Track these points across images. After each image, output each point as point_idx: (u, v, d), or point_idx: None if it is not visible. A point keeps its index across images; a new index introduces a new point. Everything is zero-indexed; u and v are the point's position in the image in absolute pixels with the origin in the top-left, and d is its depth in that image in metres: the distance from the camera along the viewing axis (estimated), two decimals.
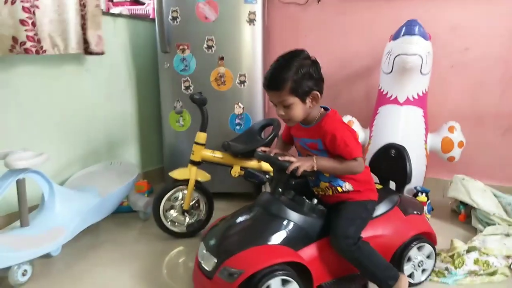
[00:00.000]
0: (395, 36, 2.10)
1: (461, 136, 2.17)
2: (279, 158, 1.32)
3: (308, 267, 1.26)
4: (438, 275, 1.55)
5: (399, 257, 1.43)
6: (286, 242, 1.28)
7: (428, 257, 1.50)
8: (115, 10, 2.75)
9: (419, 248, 1.47)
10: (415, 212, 1.53)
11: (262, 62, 2.26)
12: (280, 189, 1.37)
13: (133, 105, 2.52)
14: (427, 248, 1.48)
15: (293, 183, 1.41)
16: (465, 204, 2.06)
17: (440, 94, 2.37)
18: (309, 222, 1.33)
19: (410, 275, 1.47)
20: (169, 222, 1.89)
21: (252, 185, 2.05)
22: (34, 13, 1.73)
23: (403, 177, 1.56)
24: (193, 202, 1.93)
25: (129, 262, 1.66)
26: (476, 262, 1.57)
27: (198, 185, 1.86)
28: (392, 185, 1.65)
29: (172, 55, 2.25)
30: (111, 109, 2.35)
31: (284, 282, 1.22)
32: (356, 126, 2.35)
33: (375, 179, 1.62)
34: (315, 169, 1.30)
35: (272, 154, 1.37)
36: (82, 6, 1.99)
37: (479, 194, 2.01)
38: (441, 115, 2.34)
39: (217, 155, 1.90)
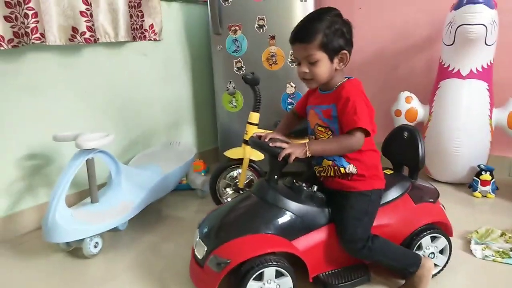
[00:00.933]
0: (457, 5, 1.97)
1: None
2: (271, 144, 1.26)
3: (302, 258, 1.21)
4: (502, 255, 1.48)
5: (406, 248, 1.33)
6: (280, 231, 1.23)
7: (441, 252, 1.39)
8: None
9: (432, 239, 1.36)
10: (428, 200, 1.42)
11: None
12: (276, 176, 1.31)
13: (188, 88, 2.60)
14: (441, 240, 1.37)
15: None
16: None
17: (507, 66, 2.20)
18: (306, 211, 1.26)
19: None
20: (226, 200, 1.96)
21: (304, 164, 2.06)
22: (91, 4, 1.83)
23: (416, 161, 1.44)
24: (248, 180, 1.97)
25: (190, 236, 1.74)
26: None
27: (252, 164, 1.90)
28: (406, 170, 1.53)
29: (224, 37, 2.28)
30: (168, 91, 2.45)
31: (278, 273, 1.19)
32: (415, 102, 2.26)
33: (389, 164, 1.54)
34: (308, 154, 1.21)
35: (266, 140, 1.30)
36: None
37: None
38: (508, 88, 2.18)
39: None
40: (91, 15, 1.83)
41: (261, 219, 1.25)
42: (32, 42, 1.64)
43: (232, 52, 2.30)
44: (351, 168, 1.29)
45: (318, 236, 1.27)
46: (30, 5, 1.60)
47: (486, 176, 2.02)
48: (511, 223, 1.66)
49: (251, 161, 1.88)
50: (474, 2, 1.89)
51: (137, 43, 2.19)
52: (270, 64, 2.25)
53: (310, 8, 2.17)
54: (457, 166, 2.11)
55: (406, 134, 1.48)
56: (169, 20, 2.39)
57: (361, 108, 1.21)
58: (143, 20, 2.16)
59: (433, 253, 1.37)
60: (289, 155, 1.20)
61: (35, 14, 1.63)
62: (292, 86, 2.26)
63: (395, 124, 2.31)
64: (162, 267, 1.53)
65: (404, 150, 1.49)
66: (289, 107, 2.28)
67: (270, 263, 1.17)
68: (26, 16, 1.61)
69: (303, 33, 1.22)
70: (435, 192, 1.49)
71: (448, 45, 2.04)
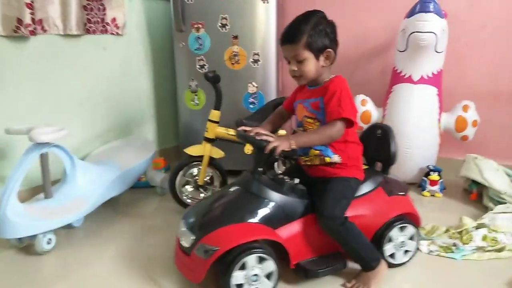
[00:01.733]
0: (410, 14, 2.08)
1: (475, 115, 2.16)
2: (257, 137, 1.31)
3: (285, 245, 1.28)
4: (446, 250, 1.57)
5: (379, 237, 1.42)
6: (264, 220, 1.29)
7: (411, 238, 1.48)
8: None
9: (401, 229, 1.45)
10: (399, 193, 1.52)
11: (276, 41, 2.26)
12: (260, 169, 1.36)
13: (149, 84, 2.57)
14: (410, 229, 1.47)
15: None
16: (477, 183, 2.05)
17: (455, 73, 2.35)
18: (288, 201, 1.34)
19: (392, 255, 1.46)
20: (185, 197, 1.96)
21: None
22: None
23: (388, 157, 1.53)
24: (208, 178, 1.98)
25: (147, 233, 1.74)
26: (484, 238, 1.59)
27: (212, 162, 1.91)
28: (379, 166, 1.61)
29: (187, 34, 2.28)
30: (128, 87, 2.41)
31: (261, 259, 1.24)
32: (370, 105, 2.36)
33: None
34: (293, 146, 1.27)
35: (252, 133, 1.34)
36: None
37: (491, 173, 2.01)
38: (456, 94, 2.32)
39: (231, 132, 1.94)
40: (34, 7, 1.78)
41: (246, 209, 1.31)
42: None
43: (195, 49, 2.30)
44: (335, 158, 1.38)
45: (299, 225, 1.35)
46: None
47: (434, 176, 2.13)
48: (456, 220, 1.76)
49: (211, 158, 1.90)
50: (426, 11, 2.00)
51: (98, 36, 2.14)
52: (233, 63, 2.28)
53: (272, 9, 2.22)
54: (407, 166, 2.22)
55: (379, 132, 1.58)
56: (131, 14, 2.36)
57: (346, 100, 1.31)
58: (105, 14, 2.12)
59: (403, 241, 1.46)
60: (275, 147, 1.25)
61: None
62: (254, 86, 2.30)
63: None
64: (120, 264, 1.51)
65: (378, 147, 1.57)
66: (251, 106, 2.31)
67: (254, 250, 1.22)
68: None
69: (290, 35, 1.32)
70: (405, 186, 1.61)
71: (401, 51, 2.14)
